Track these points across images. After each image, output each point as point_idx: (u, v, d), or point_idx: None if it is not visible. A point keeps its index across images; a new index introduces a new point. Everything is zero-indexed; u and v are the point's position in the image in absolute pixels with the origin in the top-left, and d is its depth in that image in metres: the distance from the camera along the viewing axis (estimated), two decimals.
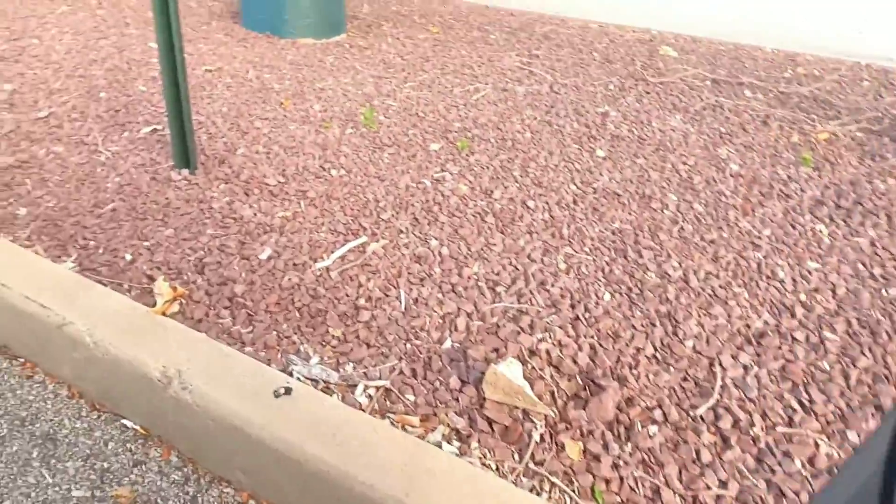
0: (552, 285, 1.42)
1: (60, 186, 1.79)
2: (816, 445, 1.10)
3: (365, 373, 1.19)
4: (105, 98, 2.34)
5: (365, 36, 3.58)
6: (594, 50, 3.54)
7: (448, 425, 1.09)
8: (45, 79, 2.47)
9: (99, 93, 2.38)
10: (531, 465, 1.04)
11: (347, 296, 1.38)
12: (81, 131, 2.09)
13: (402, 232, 1.60)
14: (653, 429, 1.10)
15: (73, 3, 3.60)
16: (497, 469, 1.03)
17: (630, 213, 1.71)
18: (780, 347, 1.30)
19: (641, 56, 3.48)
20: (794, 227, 1.73)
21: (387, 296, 1.38)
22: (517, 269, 1.47)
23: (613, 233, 1.63)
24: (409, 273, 1.45)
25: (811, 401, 1.19)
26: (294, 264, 1.47)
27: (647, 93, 2.71)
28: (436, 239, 1.58)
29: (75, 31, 3.06)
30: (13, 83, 2.42)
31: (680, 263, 1.51)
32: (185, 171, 1.84)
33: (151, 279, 1.41)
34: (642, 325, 1.33)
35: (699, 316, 1.36)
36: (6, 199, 1.73)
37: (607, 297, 1.40)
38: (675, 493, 1.01)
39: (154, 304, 1.32)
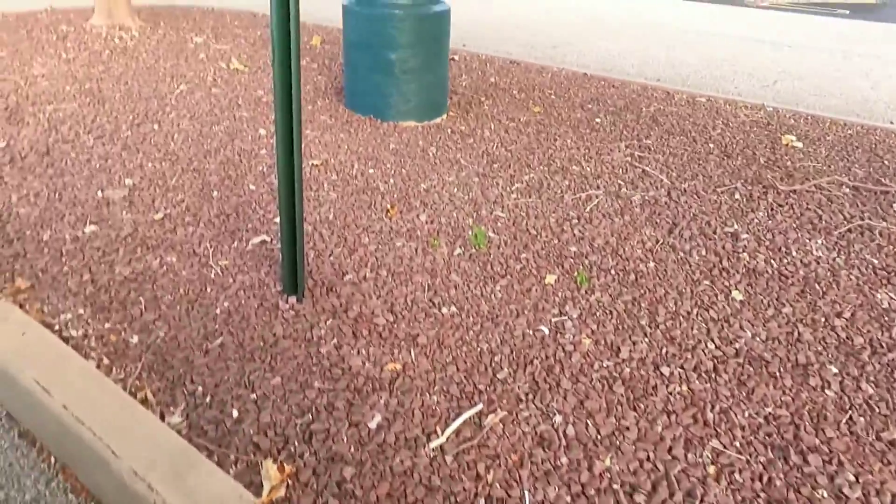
0: (701, 499, 1.22)
1: (172, 309, 1.77)
2: None
3: None
4: (217, 198, 2.36)
5: (465, 116, 3.52)
6: (709, 139, 3.31)
7: None
8: (162, 173, 2.54)
9: (212, 191, 2.41)
10: None
11: (465, 490, 1.24)
12: (194, 238, 2.10)
13: (521, 400, 1.45)
14: None
15: (191, 81, 3.77)
16: None
17: (784, 393, 1.48)
18: None
19: (763, 148, 3.22)
20: None
21: (509, 496, 1.23)
22: (657, 468, 1.28)
23: (767, 420, 1.41)
24: (531, 462, 1.30)
25: None
26: (406, 439, 1.35)
27: (779, 205, 2.45)
28: (559, 413, 1.42)
29: (192, 115, 3.18)
30: (134, 177, 2.51)
31: (857, 477, 1.27)
32: (293, 300, 1.78)
33: (258, 448, 1.33)
34: None
35: None
36: (121, 321, 1.73)
37: None
38: None
39: (261, 487, 1.24)
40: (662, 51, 6.36)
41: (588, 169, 2.77)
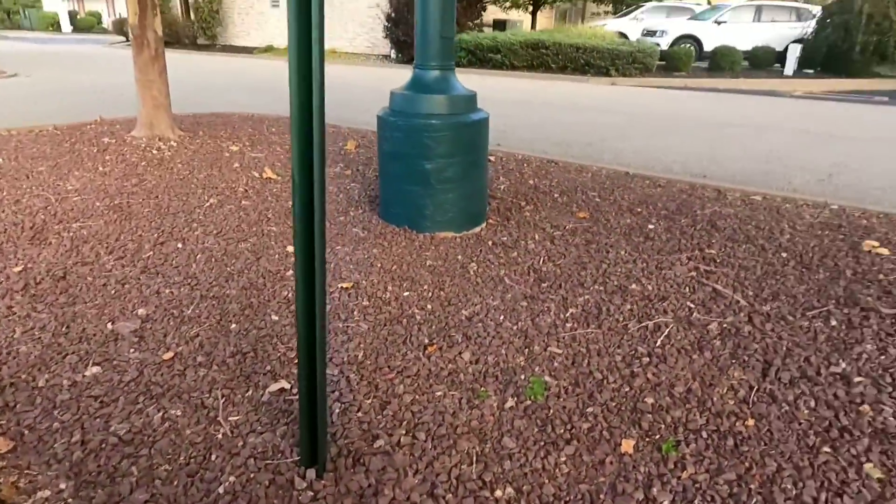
0: None
1: (167, 485, 1.47)
2: None
3: None
4: (235, 331, 2.11)
5: (506, 225, 3.28)
6: (779, 246, 2.98)
7: None
8: (179, 300, 2.33)
9: (230, 323, 2.17)
10: None
11: None
12: (203, 384, 1.83)
13: None
14: None
15: (222, 193, 3.68)
16: None
17: None
18: None
19: (844, 256, 2.86)
20: None
21: None
22: None
23: None
24: None
25: None
26: None
27: (888, 334, 2.07)
28: None
29: (218, 232, 3.02)
30: (148, 306, 2.29)
31: None
32: (312, 474, 1.46)
33: None
34: None
35: None
36: (108, 499, 1.43)
37: None
38: None
39: None
40: (704, 146, 6.17)
41: (650, 288, 2.45)
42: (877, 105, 10.08)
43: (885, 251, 2.92)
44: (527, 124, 7.34)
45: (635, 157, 5.66)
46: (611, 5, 21.03)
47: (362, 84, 11.73)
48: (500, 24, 18.33)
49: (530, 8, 16.10)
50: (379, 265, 2.67)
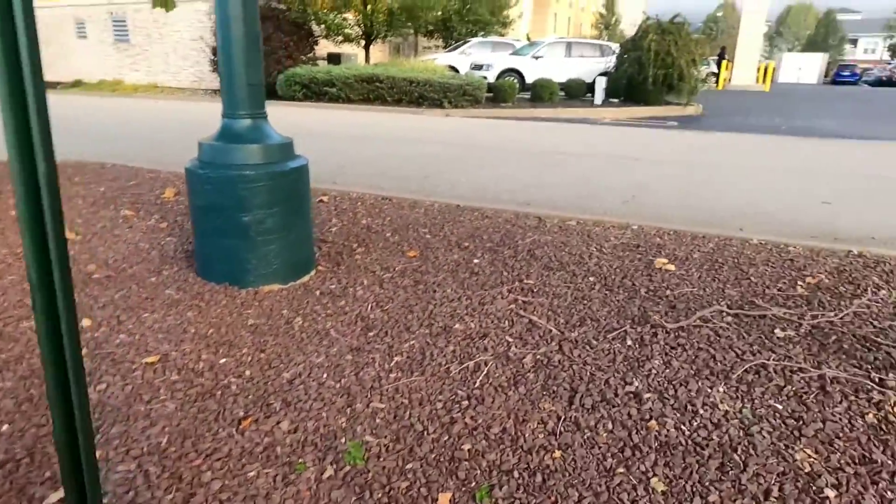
0: None
1: None
2: None
3: None
4: (7, 433, 1.81)
5: (336, 271, 3.23)
6: (588, 271, 3.26)
7: None
8: None
9: (0, 424, 1.86)
10: None
11: None
12: None
13: None
14: None
15: (3, 261, 3.19)
16: None
17: None
18: None
19: (640, 276, 3.20)
20: None
21: None
22: None
23: None
24: None
25: None
26: None
27: (672, 348, 2.34)
28: None
29: None
30: None
31: None
32: None
33: None
34: None
35: None
36: None
37: None
38: None
39: None
40: (530, 173, 6.65)
41: (472, 326, 2.54)
42: (669, 129, 11.66)
43: (671, 267, 3.33)
44: (364, 159, 7.39)
45: (468, 188, 5.92)
46: (441, 40, 22.09)
47: (188, 120, 11.05)
48: (334, 58, 18.39)
49: (363, 42, 16.37)
50: (193, 330, 2.47)
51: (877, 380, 2.11)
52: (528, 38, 26.22)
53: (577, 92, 14.99)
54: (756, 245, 3.95)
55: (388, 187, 5.85)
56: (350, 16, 15.75)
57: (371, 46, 16.91)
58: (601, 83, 14.39)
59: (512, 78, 15.66)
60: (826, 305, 2.81)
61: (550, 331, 2.48)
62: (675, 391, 2.03)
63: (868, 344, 2.39)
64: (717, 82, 25.30)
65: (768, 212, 5.20)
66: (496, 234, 3.97)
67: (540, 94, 14.15)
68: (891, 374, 2.14)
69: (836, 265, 3.51)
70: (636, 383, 2.08)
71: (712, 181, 6.43)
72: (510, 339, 2.41)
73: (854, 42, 67.01)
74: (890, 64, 37.79)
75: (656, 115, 13.87)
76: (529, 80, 15.31)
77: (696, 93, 14.16)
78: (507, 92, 13.85)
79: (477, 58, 17.01)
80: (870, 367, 2.21)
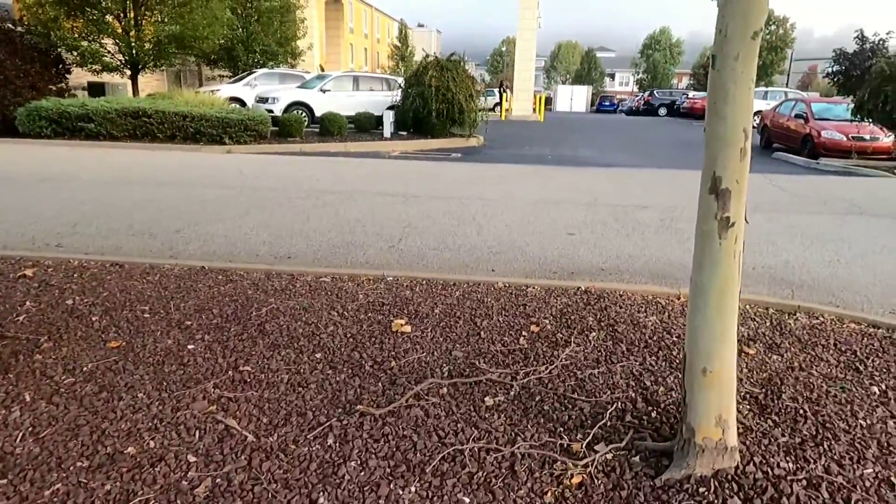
0: None
1: None
2: None
3: None
4: None
5: (4, 376, 2.58)
6: (318, 344, 3.02)
7: None
8: None
9: None
10: None
11: None
12: None
13: None
14: None
15: None
16: None
17: None
18: None
19: (373, 344, 3.05)
20: None
21: None
22: None
23: None
24: None
25: None
26: None
27: (375, 440, 2.17)
28: None
29: None
30: None
31: None
32: None
33: None
34: None
35: None
36: None
37: None
38: None
39: None
40: (299, 219, 6.32)
41: (151, 445, 2.13)
42: (452, 161, 12.20)
43: (408, 329, 3.25)
44: (111, 209, 6.44)
45: (224, 241, 5.41)
46: (226, 69, 20.91)
47: None
48: (97, 89, 16.35)
49: (128, 72, 14.74)
50: None
51: (565, 445, 2.15)
52: (322, 69, 26.06)
53: (366, 125, 15.09)
54: (500, 289, 4.08)
55: (128, 248, 5.11)
56: (109, 42, 14.08)
57: (140, 76, 15.30)
58: (389, 116, 14.67)
59: (300, 112, 15.27)
60: (541, 358, 2.91)
61: (246, 438, 2.17)
62: (364, 500, 1.85)
63: (566, 402, 2.47)
64: (499, 112, 27.57)
65: (520, 246, 5.52)
66: (231, 305, 3.57)
67: (328, 128, 13.96)
68: (579, 435, 2.21)
69: (563, 306, 3.74)
70: (322, 500, 1.85)
71: (478, 216, 6.72)
72: (192, 460, 2.05)
73: (612, 76, 78.44)
74: (637, 96, 44.76)
75: (443, 147, 14.50)
76: (319, 113, 15.06)
77: (476, 125, 15.12)
78: (293, 126, 13.42)
79: (262, 90, 16.33)
80: (563, 429, 2.26)
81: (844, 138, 13.23)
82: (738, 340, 3.28)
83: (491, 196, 8.08)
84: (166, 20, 14.01)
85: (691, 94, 34.44)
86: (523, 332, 3.23)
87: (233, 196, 7.53)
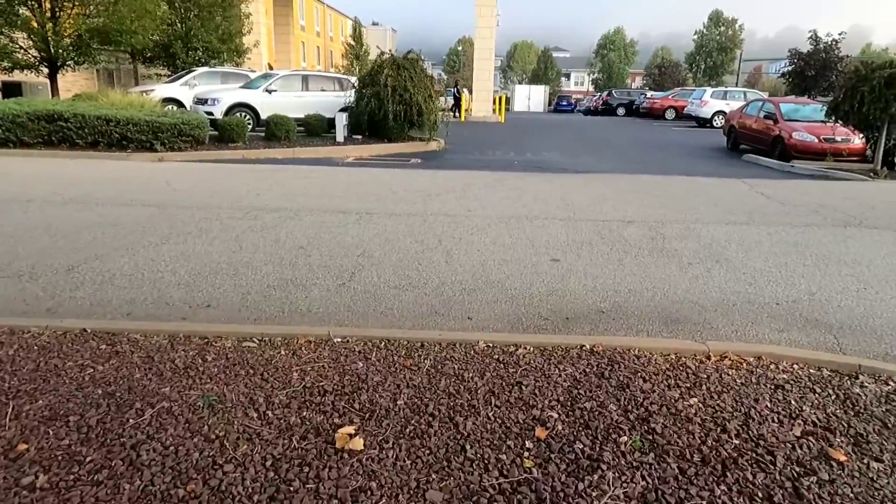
0: None
1: None
2: None
3: None
4: None
5: None
6: (218, 487, 1.96)
7: None
8: None
9: None
10: None
11: None
12: None
13: None
14: None
15: None
16: None
17: None
18: None
19: (306, 476, 2.01)
20: None
21: None
22: None
23: None
24: None
25: None
26: None
27: None
28: None
29: None
30: None
31: None
32: None
33: None
34: None
35: None
36: None
37: None
38: None
39: None
40: (229, 247, 5.17)
41: None
42: (411, 168, 11.15)
43: (358, 445, 2.22)
44: None
45: (128, 283, 4.26)
46: (164, 68, 19.30)
47: None
48: (12, 89, 14.65)
49: (45, 70, 13.14)
50: None
51: None
52: (271, 67, 24.60)
53: (317, 129, 13.90)
54: (482, 352, 3.11)
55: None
56: (21, 36, 12.47)
57: (64, 75, 13.69)
58: (342, 119, 13.53)
59: (244, 114, 13.96)
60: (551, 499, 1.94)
61: None
62: None
63: None
64: (456, 114, 26.65)
65: (498, 280, 4.55)
66: (102, 405, 2.46)
67: (275, 132, 12.72)
68: None
69: (570, 382, 2.79)
70: None
71: (445, 239, 5.73)
72: None
73: (567, 76, 78.80)
74: (595, 96, 44.68)
75: (401, 152, 13.46)
76: (264, 116, 13.79)
77: (437, 128, 14.13)
78: (235, 131, 12.13)
79: (203, 90, 14.92)
80: None
81: (816, 140, 12.82)
82: (812, 432, 2.43)
83: (458, 211, 7.11)
84: (88, 12, 12.49)
85: (649, 93, 34.34)
86: (527, 444, 2.25)
87: (154, 217, 6.33)
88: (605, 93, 41.08)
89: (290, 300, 4.04)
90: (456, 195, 8.22)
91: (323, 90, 15.43)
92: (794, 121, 13.78)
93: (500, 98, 26.90)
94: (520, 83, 64.01)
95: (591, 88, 68.78)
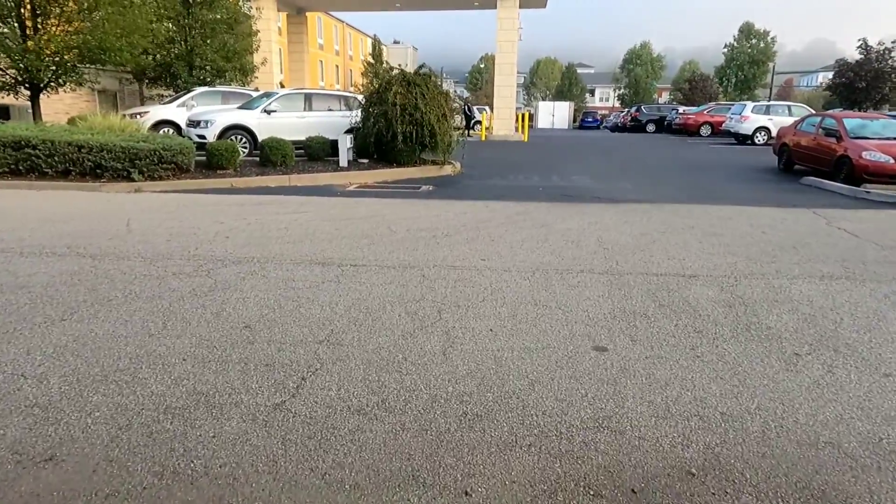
0: None
1: None
2: None
3: None
4: None
5: None
6: None
7: None
8: None
9: None
10: None
11: None
12: None
13: None
14: None
15: None
16: None
17: None
18: None
19: None
20: None
21: None
22: None
23: None
24: None
25: None
26: None
27: None
28: None
29: None
30: None
31: None
32: None
33: None
34: None
35: None
36: None
37: None
38: None
39: None
40: (145, 327, 3.36)
41: None
42: (420, 199, 9.63)
43: None
44: None
45: None
46: (166, 88, 18.30)
47: None
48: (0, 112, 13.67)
49: (26, 91, 12.09)
50: None
51: None
52: (283, 86, 23.57)
53: (319, 152, 12.57)
54: None
55: None
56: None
57: (44, 95, 12.62)
58: (346, 141, 12.18)
59: (240, 137, 12.73)
60: None
61: None
62: None
63: None
64: (468, 133, 25.22)
65: (517, 392, 2.99)
66: None
67: (270, 156, 11.41)
68: None
69: None
70: None
71: (446, 309, 4.21)
72: None
73: (592, 92, 77.22)
74: (623, 112, 42.99)
75: (411, 178, 12.04)
76: (262, 138, 12.52)
77: (452, 150, 12.69)
78: (224, 156, 10.85)
79: (196, 112, 13.75)
80: None
81: (892, 160, 11.01)
82: None
83: (468, 261, 5.59)
84: (69, 29, 11.39)
85: (682, 108, 32.56)
86: None
87: (79, 274, 4.94)
88: (634, 108, 39.36)
89: (185, 445, 2.54)
90: (467, 236, 6.70)
91: (330, 110, 14.16)
92: (861, 138, 11.99)
93: (522, 115, 25.43)
94: (543, 100, 62.61)
95: (618, 104, 67.06)
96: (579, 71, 72.75)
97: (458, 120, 14.41)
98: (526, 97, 74.92)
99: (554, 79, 72.80)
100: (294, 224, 7.26)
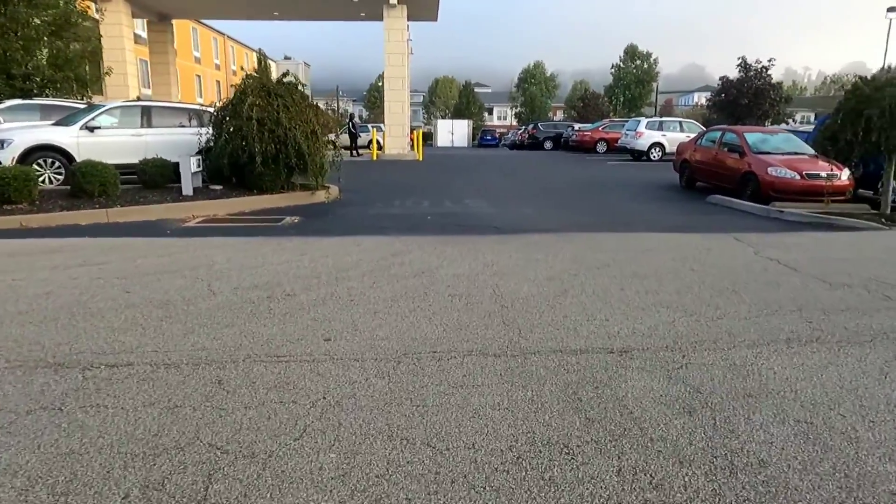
0: None
1: None
2: None
3: None
4: None
5: None
6: None
7: None
8: None
9: None
10: None
11: None
12: None
13: None
14: None
15: None
16: None
17: None
18: None
19: None
20: None
21: None
22: None
23: None
24: None
25: None
26: None
27: None
28: None
29: None
30: None
31: None
32: None
33: None
34: None
35: None
36: None
37: None
38: None
39: None
40: None
41: None
42: (278, 235, 7.57)
43: None
44: None
45: None
46: None
47: None
48: None
49: None
50: None
51: None
52: (138, 100, 20.53)
53: (158, 178, 10.15)
54: None
55: None
56: None
57: None
58: (191, 164, 9.89)
59: (51, 161, 10.05)
60: None
61: None
62: None
63: None
64: (354, 153, 23.52)
65: None
66: None
67: (83, 185, 8.90)
68: None
69: None
70: None
71: (213, 477, 2.28)
72: None
73: (490, 110, 77.97)
74: (520, 129, 42.87)
75: (275, 207, 9.95)
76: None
77: (326, 173, 10.72)
78: (13, 186, 8.24)
79: (7, 130, 10.85)
80: None
81: (797, 176, 10.39)
82: None
83: (304, 345, 3.70)
84: None
85: (578, 126, 32.57)
86: None
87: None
88: (531, 126, 39.25)
89: None
90: (318, 295, 4.80)
91: (181, 125, 11.73)
92: (764, 153, 11.40)
93: (417, 133, 23.91)
94: (443, 118, 62.01)
95: (515, 122, 67.93)
96: (477, 90, 73.16)
97: (338, 138, 12.46)
98: (426, 115, 74.27)
99: (452, 97, 72.69)
100: (67, 285, 5.00)
